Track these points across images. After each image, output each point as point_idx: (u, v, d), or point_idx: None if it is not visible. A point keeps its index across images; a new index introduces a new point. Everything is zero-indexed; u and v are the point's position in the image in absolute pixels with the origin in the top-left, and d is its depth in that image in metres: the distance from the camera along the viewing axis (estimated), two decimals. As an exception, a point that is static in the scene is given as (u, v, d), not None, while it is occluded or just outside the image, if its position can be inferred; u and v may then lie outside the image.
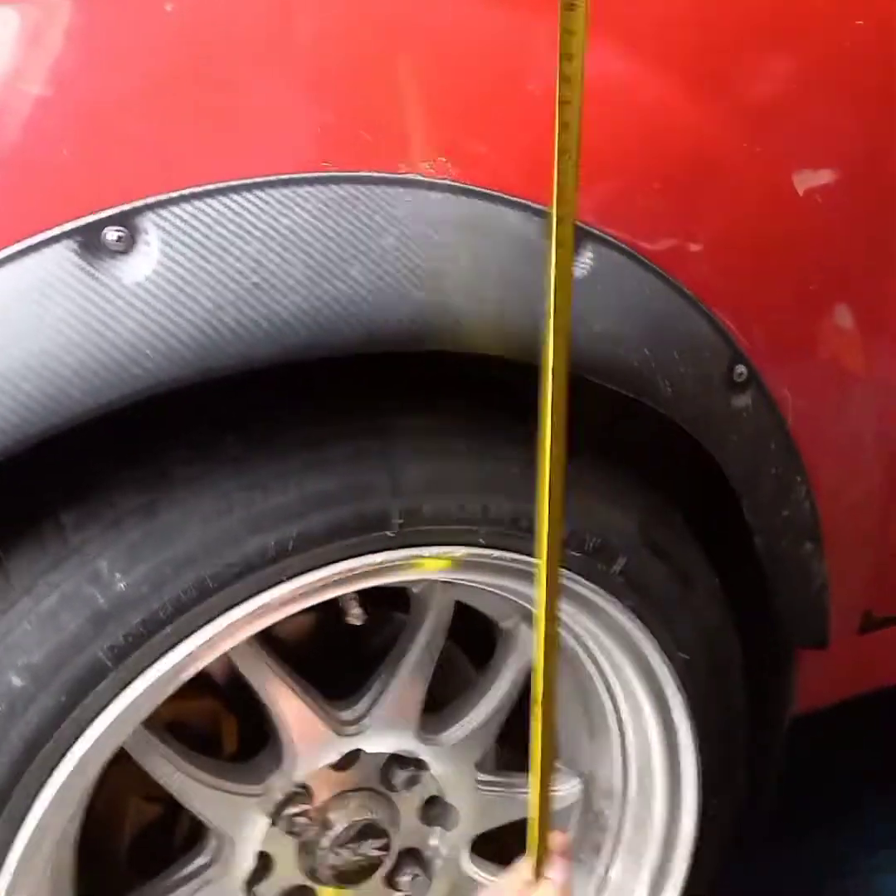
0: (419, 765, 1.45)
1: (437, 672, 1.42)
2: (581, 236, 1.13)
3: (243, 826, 1.36)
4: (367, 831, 1.43)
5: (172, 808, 1.42)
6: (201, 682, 1.36)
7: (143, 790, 1.43)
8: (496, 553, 1.26)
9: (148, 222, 0.97)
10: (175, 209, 0.98)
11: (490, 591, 1.39)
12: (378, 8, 1.04)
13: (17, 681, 1.08)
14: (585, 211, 1.13)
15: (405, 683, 1.40)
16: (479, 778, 1.51)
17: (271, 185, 1.00)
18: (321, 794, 1.41)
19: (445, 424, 1.24)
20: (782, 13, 1.24)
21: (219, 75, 1.00)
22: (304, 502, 1.15)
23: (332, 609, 1.35)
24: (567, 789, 1.63)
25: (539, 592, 1.09)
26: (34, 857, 1.16)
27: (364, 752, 1.41)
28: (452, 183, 1.06)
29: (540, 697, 1.13)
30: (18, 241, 0.94)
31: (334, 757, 1.39)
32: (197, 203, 0.98)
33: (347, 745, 1.39)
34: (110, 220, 0.96)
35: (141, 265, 0.97)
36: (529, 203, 1.08)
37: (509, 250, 1.09)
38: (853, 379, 1.43)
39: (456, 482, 1.22)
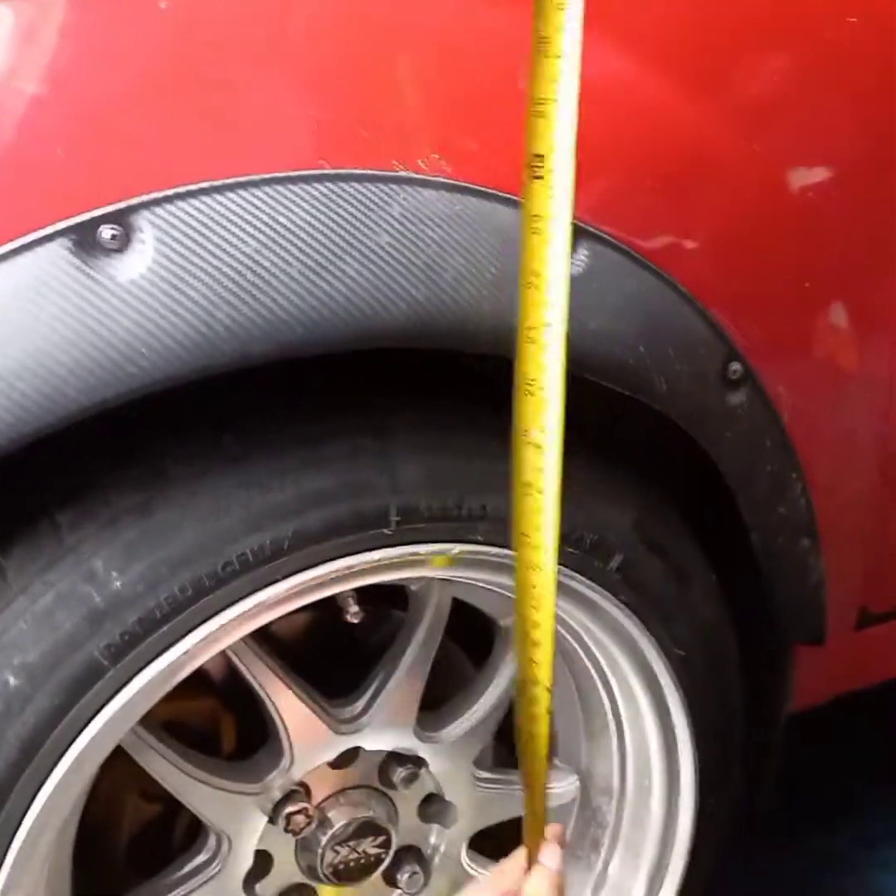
0: (418, 762, 1.45)
1: (436, 669, 1.42)
2: (575, 234, 1.13)
3: (242, 824, 1.36)
4: (366, 829, 1.43)
5: (171, 806, 1.42)
6: (199, 681, 1.36)
7: (141, 789, 1.43)
8: (494, 550, 1.26)
9: (143, 220, 0.97)
10: (170, 207, 0.97)
11: (488, 589, 1.39)
12: (372, 5, 1.04)
13: (13, 680, 1.07)
14: (580, 208, 1.13)
15: (403, 681, 1.40)
16: (477, 775, 1.51)
17: (266, 183, 1.00)
18: (320, 792, 1.41)
19: (444, 421, 1.24)
20: (777, 11, 1.24)
21: (213, 73, 1.00)
22: (302, 500, 1.15)
23: (330, 607, 1.35)
24: (565, 786, 1.63)
25: (518, 586, 1.10)
26: (32, 856, 1.16)
27: (362, 749, 1.41)
28: (447, 180, 1.07)
29: (532, 686, 1.13)
30: (13, 240, 0.94)
31: (333, 755, 1.39)
32: (192, 201, 0.98)
33: (346, 743, 1.39)
34: (105, 219, 0.96)
35: (136, 263, 0.97)
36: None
37: (504, 247, 1.09)
38: (848, 376, 1.43)
39: (454, 479, 1.22)
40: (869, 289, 1.40)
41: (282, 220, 1.01)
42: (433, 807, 1.51)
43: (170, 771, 1.30)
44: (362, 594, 1.35)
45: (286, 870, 1.43)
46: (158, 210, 0.97)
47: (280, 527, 1.14)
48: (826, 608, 1.55)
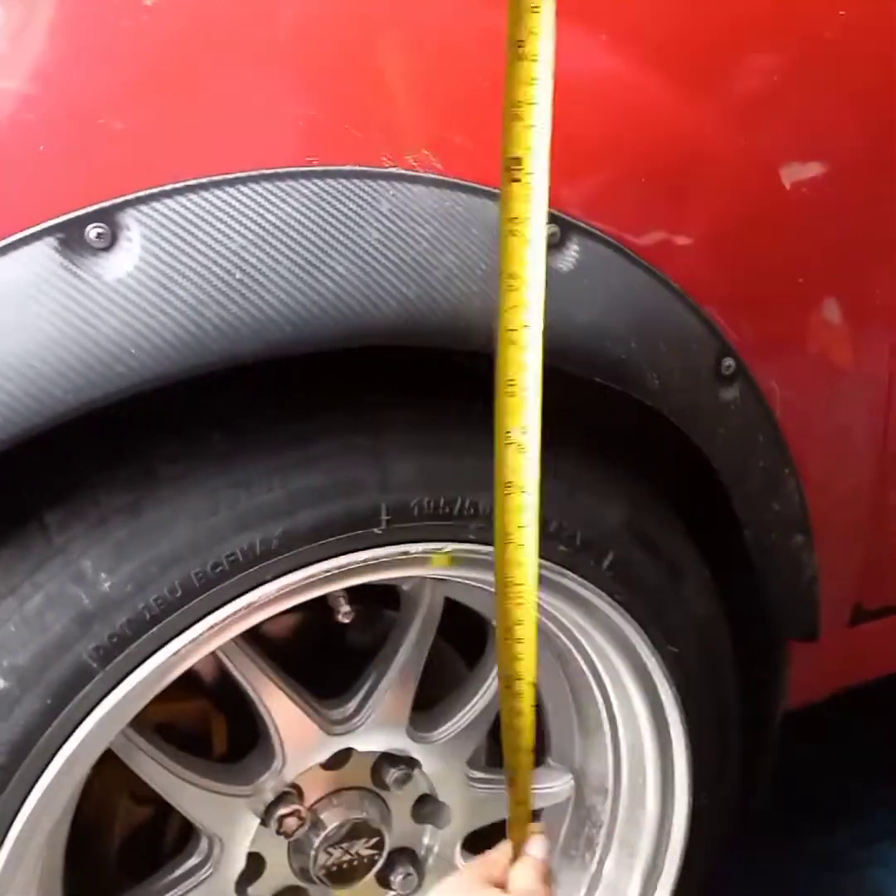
0: (410, 763, 1.45)
1: (428, 669, 1.42)
2: (567, 230, 1.13)
3: (234, 827, 1.36)
4: (359, 830, 1.42)
5: (162, 809, 1.41)
6: (190, 682, 1.35)
7: (132, 791, 1.42)
8: (486, 549, 1.25)
9: (130, 219, 0.96)
10: (157, 205, 0.97)
11: (481, 588, 1.38)
12: (360, 2, 1.04)
13: (2, 683, 1.07)
14: (571, 204, 1.13)
15: (396, 681, 1.39)
16: (470, 775, 1.51)
17: (254, 180, 1.00)
18: (312, 794, 1.40)
19: (435, 419, 1.23)
20: (767, 6, 1.24)
21: (201, 70, 0.99)
22: (292, 499, 1.14)
23: (321, 607, 1.35)
24: (559, 785, 1.62)
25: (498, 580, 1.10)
26: (23, 859, 1.15)
27: (355, 750, 1.41)
28: (437, 176, 1.06)
29: (515, 681, 1.13)
30: (-2, 239, 0.94)
31: (325, 756, 1.38)
32: (179, 198, 0.98)
33: (338, 744, 1.39)
34: (91, 217, 0.95)
35: (123, 262, 0.96)
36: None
37: (494, 243, 1.08)
38: (842, 372, 1.43)
39: (446, 477, 1.22)
40: (863, 285, 1.40)
41: (270, 217, 1.00)
42: (427, 807, 1.51)
43: (160, 773, 1.30)
44: (353, 594, 1.35)
45: (279, 872, 1.42)
46: (145, 208, 0.97)
47: (270, 526, 1.13)
48: (820, 604, 1.55)
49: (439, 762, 1.47)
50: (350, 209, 1.03)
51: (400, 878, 1.50)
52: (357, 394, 1.20)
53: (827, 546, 1.51)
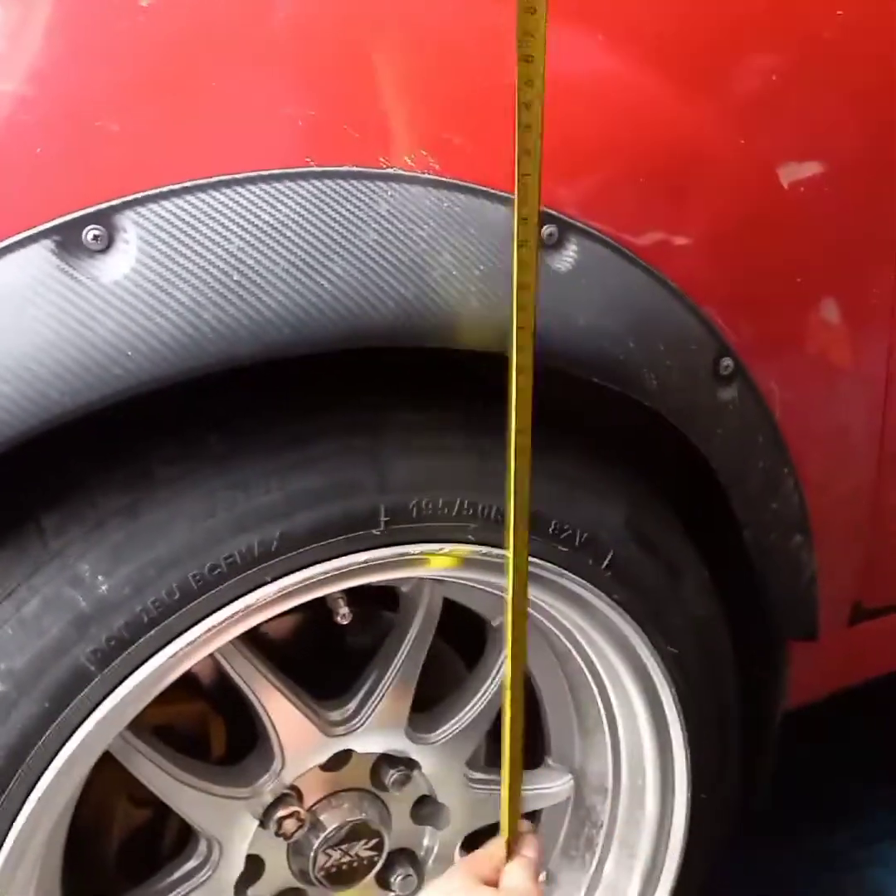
0: (410, 764, 1.44)
1: (427, 670, 1.42)
2: (565, 230, 1.13)
3: (232, 829, 1.35)
4: (358, 832, 1.42)
5: (161, 811, 1.41)
6: (188, 684, 1.35)
7: (131, 793, 1.41)
8: (485, 550, 1.25)
9: (126, 220, 0.96)
10: (154, 207, 0.97)
11: (480, 589, 1.38)
12: (358, 2, 1.03)
13: (-1, 686, 1.07)
14: (569, 204, 1.13)
15: (395, 682, 1.39)
16: (470, 776, 1.50)
17: (252, 181, 1.00)
18: (311, 796, 1.40)
19: (433, 420, 1.23)
20: (765, 6, 1.24)
21: (198, 71, 0.99)
22: (290, 501, 1.14)
23: (319, 608, 1.34)
24: (559, 785, 1.62)
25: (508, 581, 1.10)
26: (21, 862, 1.15)
27: (354, 752, 1.40)
28: (434, 177, 1.06)
29: (509, 681, 1.13)
30: (-5, 241, 0.93)
31: (324, 758, 1.38)
32: (176, 200, 0.97)
33: (337, 746, 1.38)
34: (88, 219, 0.95)
35: (120, 264, 0.96)
36: (511, 196, 1.07)
37: (492, 243, 1.08)
38: (841, 372, 1.43)
39: (444, 478, 1.22)
40: (862, 285, 1.40)
41: (267, 218, 1.00)
42: (426, 808, 1.50)
43: (158, 776, 1.29)
44: (352, 595, 1.34)
45: (278, 874, 1.41)
46: (142, 210, 0.96)
47: (268, 528, 1.13)
48: (819, 604, 1.55)
49: (438, 763, 1.47)
50: (347, 210, 1.03)
51: (399, 879, 1.49)
52: (355, 395, 1.20)
53: (826, 546, 1.50)
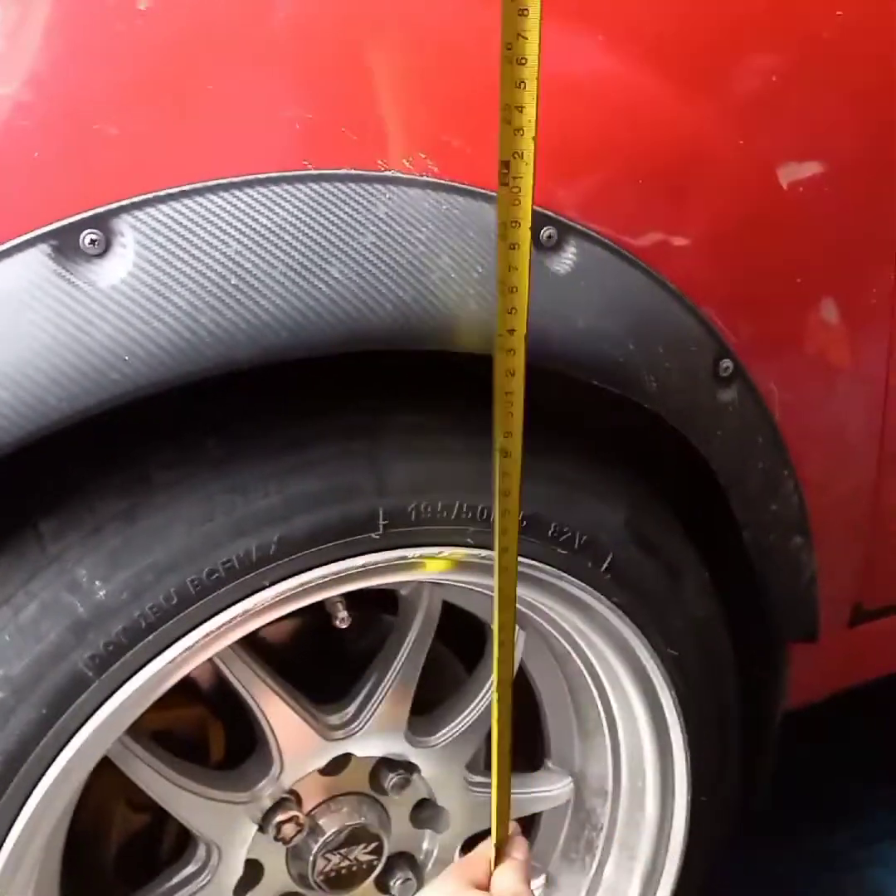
0: (409, 768, 1.44)
1: (427, 673, 1.41)
2: (564, 232, 1.12)
3: (231, 834, 1.35)
4: (358, 836, 1.42)
5: (159, 816, 1.40)
6: (186, 689, 1.35)
7: (129, 798, 1.41)
8: (484, 553, 1.25)
9: (124, 224, 0.96)
10: (151, 211, 0.96)
11: (479, 592, 1.38)
12: (356, 4, 1.03)
13: (-3, 693, 1.06)
14: (568, 206, 1.13)
15: (394, 686, 1.39)
16: (469, 779, 1.50)
17: (249, 184, 0.99)
18: (310, 800, 1.40)
19: (432, 422, 1.23)
20: (765, 6, 1.23)
21: (195, 74, 0.99)
22: (288, 505, 1.13)
23: (318, 612, 1.34)
24: (559, 788, 1.62)
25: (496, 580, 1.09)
26: (19, 867, 1.14)
27: (353, 756, 1.40)
28: (432, 179, 1.05)
29: (496, 682, 1.13)
30: (-9, 246, 0.93)
31: (323, 762, 1.38)
32: (174, 204, 0.97)
33: (336, 750, 1.38)
34: (85, 223, 0.95)
35: (117, 268, 0.96)
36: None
37: (491, 246, 1.08)
38: (841, 373, 1.42)
39: (443, 481, 1.21)
40: (862, 285, 1.39)
41: (265, 221, 1.00)
42: (425, 812, 1.50)
43: (157, 781, 1.29)
44: (351, 599, 1.34)
45: (277, 879, 1.41)
46: (139, 213, 0.96)
47: (266, 532, 1.13)
48: (819, 605, 1.54)
49: (438, 766, 1.46)
50: (345, 213, 1.02)
51: (399, 883, 1.49)
52: (353, 398, 1.19)
53: (826, 546, 1.50)
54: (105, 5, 0.96)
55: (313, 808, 1.40)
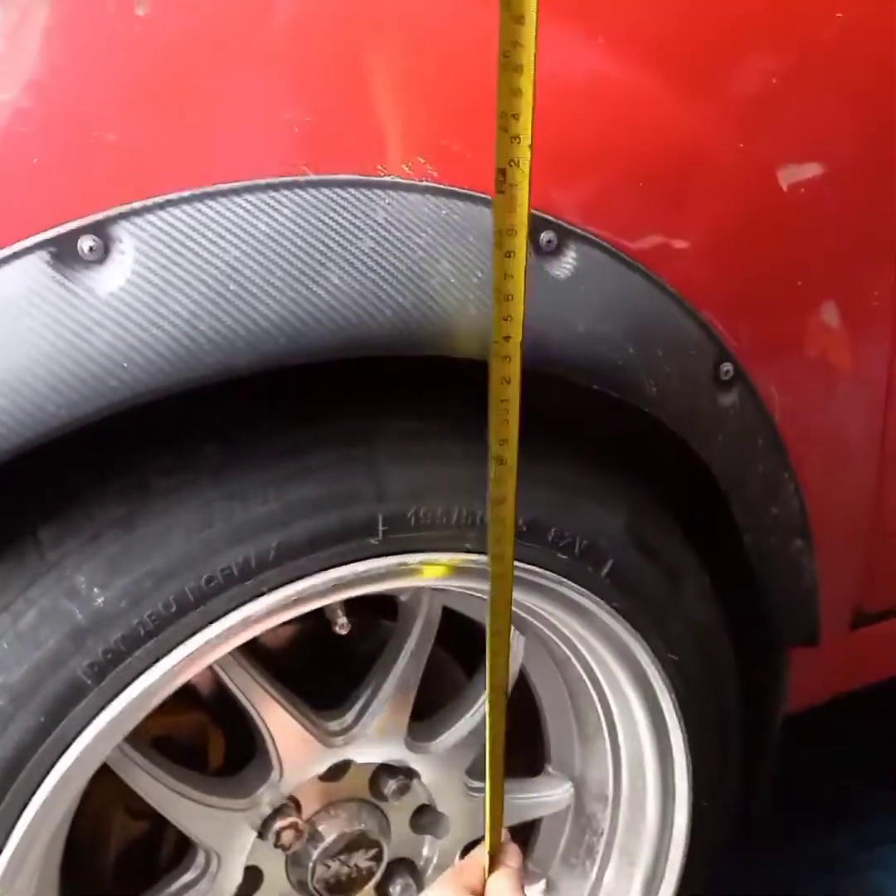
0: (409, 773, 1.44)
1: (427, 678, 1.41)
2: (564, 236, 1.12)
3: (231, 840, 1.34)
4: (358, 842, 1.41)
5: (158, 823, 1.40)
6: (185, 695, 1.34)
7: (128, 805, 1.41)
8: (484, 558, 1.24)
9: (122, 231, 0.95)
10: (150, 217, 0.96)
11: (479, 597, 1.37)
12: (354, 8, 1.03)
13: (-4, 701, 1.06)
14: (568, 210, 1.12)
15: (394, 692, 1.38)
16: (469, 784, 1.50)
17: (248, 190, 0.99)
18: (310, 806, 1.39)
19: (432, 427, 1.22)
20: (764, 8, 1.23)
21: (193, 80, 0.98)
22: (287, 511, 1.13)
23: (317, 618, 1.33)
24: (559, 793, 1.62)
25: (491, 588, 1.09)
26: (18, 875, 1.14)
27: (353, 762, 1.40)
28: (431, 184, 1.05)
29: (491, 687, 1.12)
30: (-11, 253, 0.92)
31: (322, 768, 1.37)
32: (172, 210, 0.97)
33: (336, 756, 1.38)
34: (84, 230, 0.94)
35: (115, 275, 0.95)
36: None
37: (490, 251, 1.07)
38: (842, 376, 1.42)
39: (443, 486, 1.21)
40: (862, 288, 1.39)
41: (264, 227, 0.99)
42: (425, 818, 1.50)
43: (156, 788, 1.28)
44: (350, 604, 1.33)
45: (276, 885, 1.41)
46: (138, 220, 0.95)
47: (265, 538, 1.12)
48: (820, 609, 1.54)
49: (438, 772, 1.46)
50: (344, 218, 1.02)
51: (399, 889, 1.49)
52: (352, 403, 1.19)
53: (827, 550, 1.50)
54: (103, 10, 0.95)
55: (313, 815, 1.40)
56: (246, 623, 1.14)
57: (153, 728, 1.29)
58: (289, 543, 1.13)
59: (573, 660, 1.48)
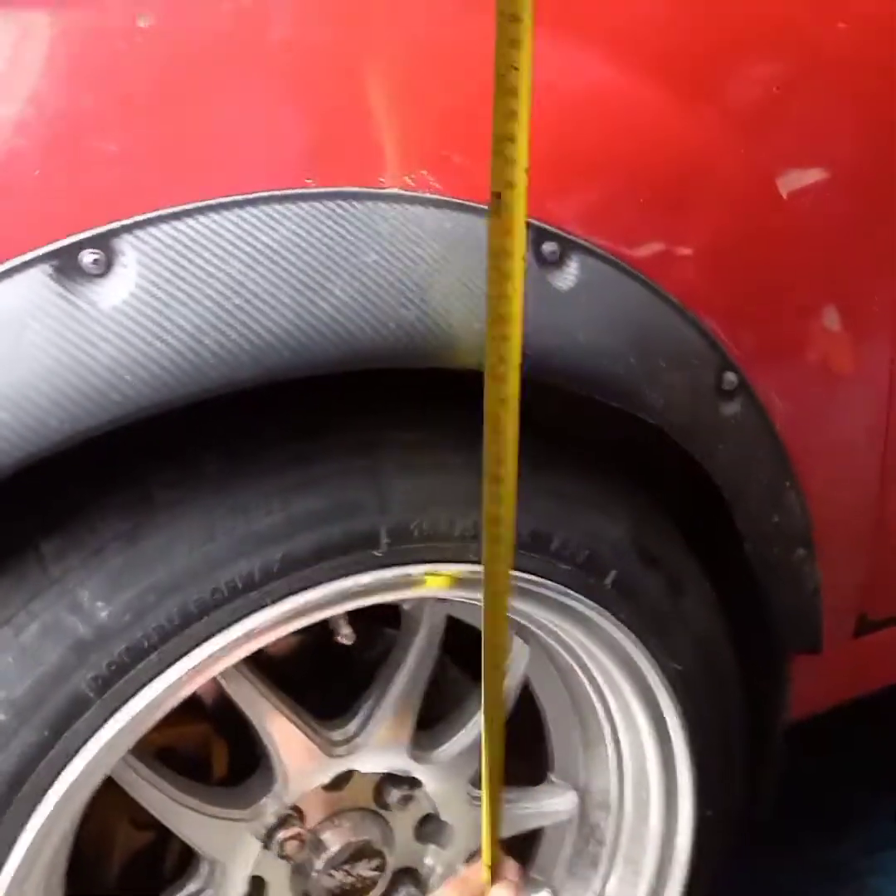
0: (413, 783, 1.44)
1: (431, 687, 1.41)
2: (566, 247, 1.12)
3: (235, 851, 1.34)
4: (362, 852, 1.41)
5: (163, 833, 1.40)
6: (188, 705, 1.34)
7: (132, 816, 1.40)
8: (487, 569, 1.24)
9: (125, 244, 0.95)
10: (153, 230, 0.96)
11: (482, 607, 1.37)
12: (357, 21, 1.03)
13: (-1, 715, 1.06)
14: (571, 221, 1.12)
15: (397, 701, 1.38)
16: (473, 794, 1.49)
17: (251, 203, 0.99)
18: (314, 816, 1.39)
19: (435, 438, 1.22)
20: (765, 18, 1.23)
21: (196, 92, 0.98)
22: (291, 523, 1.13)
23: (321, 628, 1.33)
24: (563, 802, 1.61)
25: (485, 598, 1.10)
26: (23, 888, 1.14)
27: (357, 772, 1.39)
28: (435, 196, 1.05)
29: (487, 703, 1.13)
30: (-8, 267, 0.92)
31: (326, 778, 1.37)
32: (175, 223, 0.96)
33: (340, 766, 1.37)
34: (86, 243, 0.94)
35: (118, 288, 0.95)
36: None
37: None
38: (843, 384, 1.42)
39: (446, 497, 1.21)
40: (864, 297, 1.39)
41: (267, 240, 0.99)
42: (429, 827, 1.49)
43: (159, 799, 1.28)
44: (354, 613, 1.33)
45: (281, 895, 1.40)
46: (141, 233, 0.95)
47: (269, 551, 1.12)
48: (823, 617, 1.54)
49: (442, 782, 1.46)
50: (348, 231, 1.02)
51: (403, 898, 1.49)
52: (355, 414, 1.19)
53: (830, 558, 1.50)
54: (105, 23, 0.96)
55: (317, 825, 1.39)
56: (250, 635, 1.14)
57: (156, 739, 1.28)
58: (293, 555, 1.13)
59: (576, 669, 1.48)
